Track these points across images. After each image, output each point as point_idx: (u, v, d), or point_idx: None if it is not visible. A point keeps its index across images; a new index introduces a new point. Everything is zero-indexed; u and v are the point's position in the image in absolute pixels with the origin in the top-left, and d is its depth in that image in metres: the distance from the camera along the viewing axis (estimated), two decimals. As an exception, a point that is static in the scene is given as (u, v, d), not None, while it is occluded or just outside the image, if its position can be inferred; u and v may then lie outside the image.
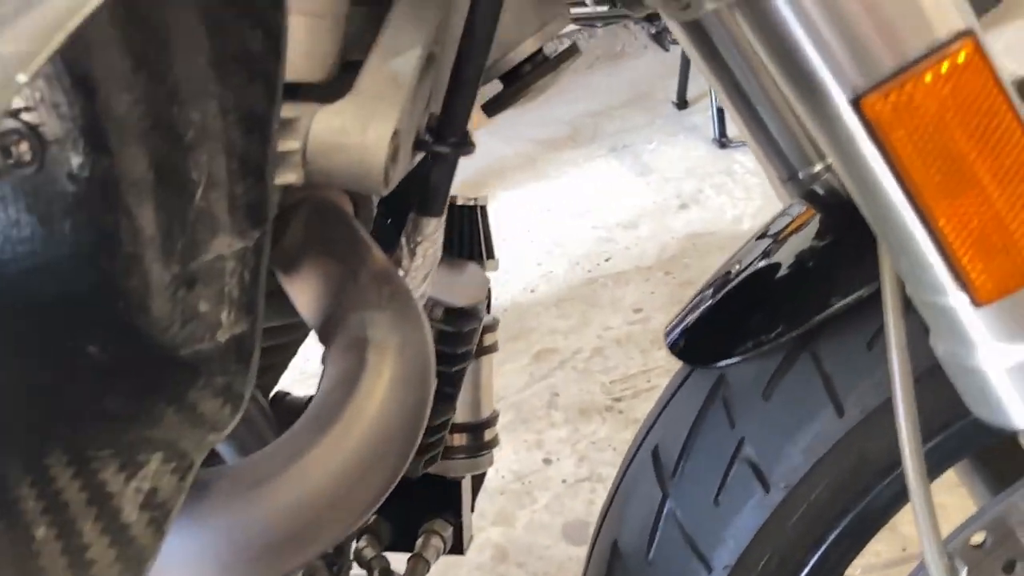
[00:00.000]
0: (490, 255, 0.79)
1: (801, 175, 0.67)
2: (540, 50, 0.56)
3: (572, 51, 0.56)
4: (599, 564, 0.63)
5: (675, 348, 0.59)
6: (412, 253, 0.53)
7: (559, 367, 1.76)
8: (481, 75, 0.49)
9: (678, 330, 0.62)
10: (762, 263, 0.65)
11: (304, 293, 0.50)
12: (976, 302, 0.40)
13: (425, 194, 0.51)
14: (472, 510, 0.89)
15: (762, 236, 0.72)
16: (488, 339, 0.78)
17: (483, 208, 0.79)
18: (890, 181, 0.39)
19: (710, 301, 0.64)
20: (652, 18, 2.33)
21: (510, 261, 2.12)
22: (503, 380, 1.76)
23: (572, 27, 2.95)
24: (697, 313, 0.61)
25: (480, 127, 2.96)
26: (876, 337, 0.53)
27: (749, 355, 0.56)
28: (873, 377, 0.53)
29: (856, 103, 0.38)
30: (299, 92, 0.43)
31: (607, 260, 2.02)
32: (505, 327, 1.94)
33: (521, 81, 0.55)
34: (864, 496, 0.55)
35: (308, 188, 0.48)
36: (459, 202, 0.78)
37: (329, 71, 0.46)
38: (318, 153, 0.43)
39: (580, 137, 2.54)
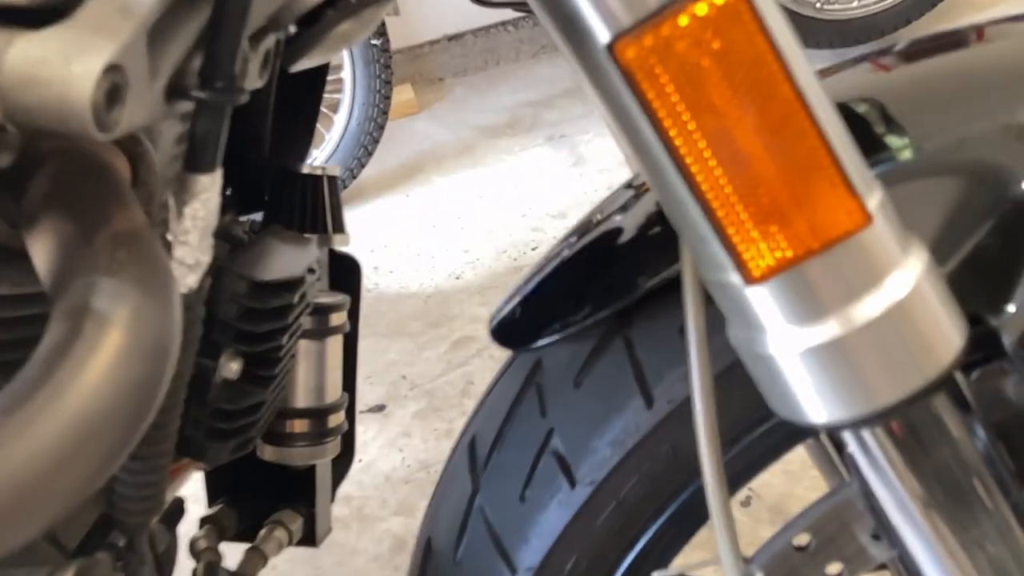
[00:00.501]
0: (337, 229, 0.73)
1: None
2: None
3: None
4: (414, 564, 0.58)
5: (495, 332, 0.54)
6: (179, 215, 0.48)
7: (476, 355, 1.71)
8: (246, 11, 0.43)
9: (505, 308, 0.57)
10: (605, 226, 0.59)
11: (41, 254, 0.44)
12: (748, 279, 0.35)
13: (191, 147, 0.46)
14: (332, 500, 0.84)
15: (629, 185, 0.67)
16: (335, 319, 0.73)
17: (332, 179, 0.74)
18: (654, 141, 0.35)
19: (540, 275, 0.59)
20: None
21: (438, 248, 2.07)
22: (419, 367, 1.71)
23: (518, 14, 2.91)
24: (517, 297, 0.56)
25: (421, 112, 2.91)
26: (688, 322, 0.48)
27: (560, 336, 0.51)
28: (683, 367, 0.48)
29: (611, 48, 0.33)
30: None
31: (534, 249, 1.97)
32: (427, 314, 1.90)
33: (319, 25, 0.50)
34: (679, 494, 0.50)
35: (60, 137, 0.43)
36: (304, 171, 0.73)
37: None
38: (12, 87, 0.37)
39: (519, 126, 2.49)
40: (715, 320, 0.43)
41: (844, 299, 0.36)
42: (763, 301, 0.37)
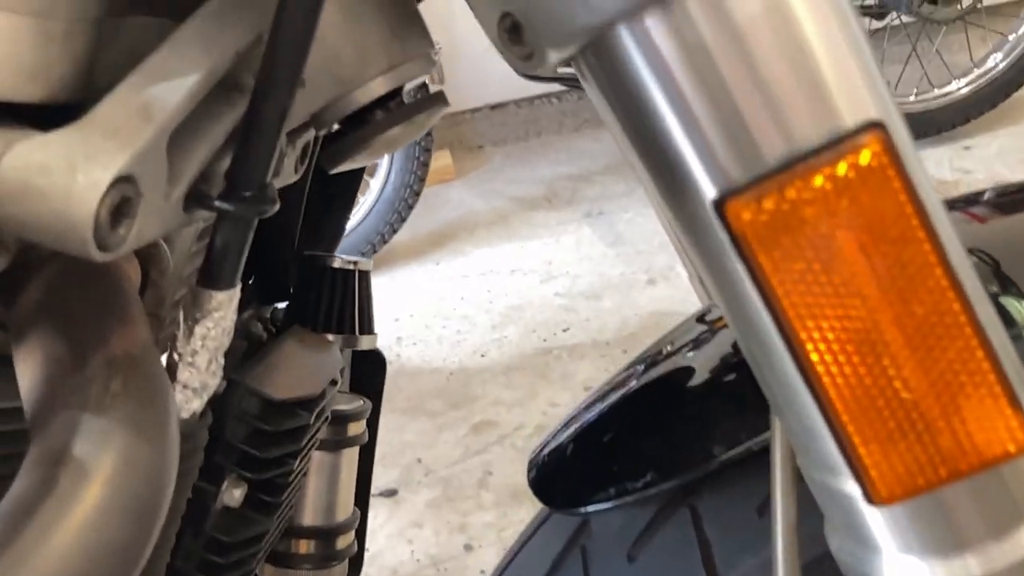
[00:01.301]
0: (365, 329, 0.67)
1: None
2: (397, 94, 0.46)
3: (436, 100, 0.46)
4: None
5: (535, 482, 0.47)
6: (189, 333, 0.41)
7: (497, 442, 1.63)
8: (284, 114, 0.38)
9: (548, 453, 0.50)
10: (675, 362, 0.53)
11: (26, 376, 0.38)
12: (872, 499, 0.28)
13: (208, 260, 0.40)
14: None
15: (702, 318, 0.60)
16: (353, 429, 0.66)
17: (364, 274, 0.68)
18: (764, 317, 0.28)
19: (594, 413, 0.52)
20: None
21: (465, 322, 2.01)
22: (436, 451, 1.63)
23: (561, 87, 2.89)
24: (569, 432, 0.49)
25: (457, 179, 2.89)
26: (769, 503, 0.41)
27: (616, 503, 0.44)
28: (761, 554, 0.41)
29: (719, 206, 0.27)
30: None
31: (565, 331, 1.90)
32: (448, 392, 1.82)
33: (366, 128, 0.44)
34: None
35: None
36: (336, 264, 0.67)
37: (58, 90, 0.35)
38: (7, 196, 0.31)
39: (557, 200, 2.44)
40: (805, 502, 0.36)
41: (989, 534, 0.28)
42: (884, 521, 0.30)
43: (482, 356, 1.87)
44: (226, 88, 0.40)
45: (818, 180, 0.26)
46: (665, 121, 0.29)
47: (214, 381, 0.43)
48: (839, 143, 0.26)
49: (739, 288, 0.29)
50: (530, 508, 1.52)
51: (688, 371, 0.50)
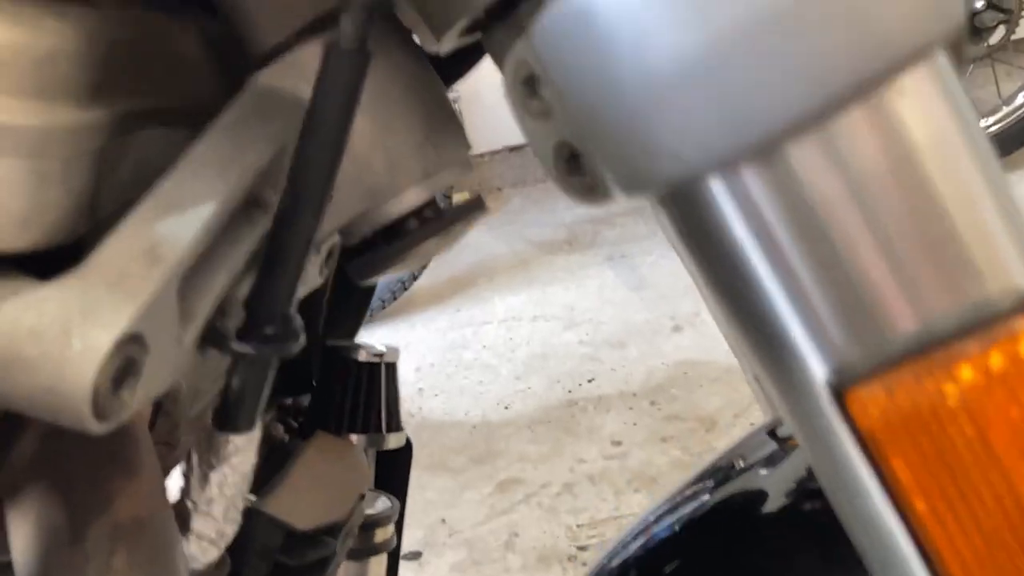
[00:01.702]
0: (393, 427, 0.62)
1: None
2: (432, 203, 0.42)
3: (475, 207, 0.42)
4: None
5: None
6: (204, 480, 0.37)
7: (524, 501, 1.57)
8: (310, 239, 0.34)
9: (610, 567, 0.45)
10: (747, 482, 0.48)
11: (19, 544, 0.34)
12: None
13: (225, 402, 0.36)
14: None
15: (771, 433, 0.55)
16: (381, 535, 0.61)
17: (390, 366, 0.63)
18: (889, 516, 0.23)
19: (660, 531, 0.47)
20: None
21: (487, 371, 1.96)
22: (460, 511, 1.58)
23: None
24: (638, 546, 0.44)
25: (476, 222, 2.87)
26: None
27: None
28: None
29: (838, 394, 0.22)
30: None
31: (590, 381, 1.85)
32: (472, 447, 1.77)
33: (402, 241, 0.40)
34: None
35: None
36: (361, 357, 0.63)
37: (55, 234, 0.31)
38: (-7, 369, 0.27)
39: (578, 242, 2.40)
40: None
41: None
42: None
43: (505, 408, 1.82)
44: (246, 207, 0.36)
45: (965, 372, 0.21)
46: (764, 285, 0.24)
47: (232, 528, 0.39)
48: (989, 324, 0.21)
49: (858, 482, 0.24)
50: (559, 572, 1.46)
51: (762, 494, 0.45)
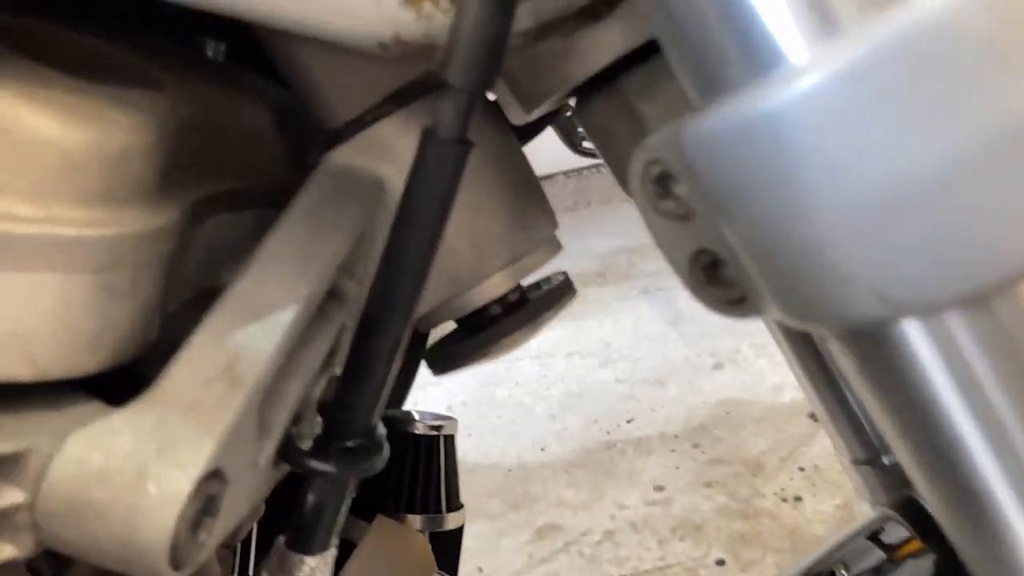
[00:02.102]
0: (452, 506, 0.59)
1: (886, 460, 0.47)
2: (518, 289, 0.38)
3: (564, 291, 0.38)
4: None
5: None
6: (274, 606, 0.33)
7: (563, 550, 1.52)
8: (397, 346, 0.30)
9: None
10: None
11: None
12: None
13: (299, 520, 0.32)
14: None
15: (874, 537, 0.51)
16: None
17: (448, 439, 0.60)
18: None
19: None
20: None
21: (521, 411, 1.92)
22: (498, 559, 1.53)
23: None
24: None
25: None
26: None
27: None
28: None
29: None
30: (41, 395, 0.25)
31: (629, 422, 1.80)
32: (507, 491, 1.72)
33: (485, 333, 0.37)
34: None
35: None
36: (419, 430, 0.59)
37: (124, 351, 0.27)
38: (56, 514, 0.24)
39: (612, 274, 2.36)
40: None
41: None
42: None
43: (541, 450, 1.78)
44: (322, 300, 0.33)
45: None
46: (966, 438, 0.20)
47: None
48: None
49: None
50: (602, 628, 1.41)
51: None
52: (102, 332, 0.25)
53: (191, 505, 0.24)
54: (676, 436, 1.73)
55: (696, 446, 1.69)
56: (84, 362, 0.25)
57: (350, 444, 0.31)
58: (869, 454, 0.49)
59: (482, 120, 0.37)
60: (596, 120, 0.35)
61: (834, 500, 1.50)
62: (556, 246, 0.38)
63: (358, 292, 0.35)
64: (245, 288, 0.29)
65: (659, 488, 1.61)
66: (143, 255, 0.26)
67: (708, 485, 1.59)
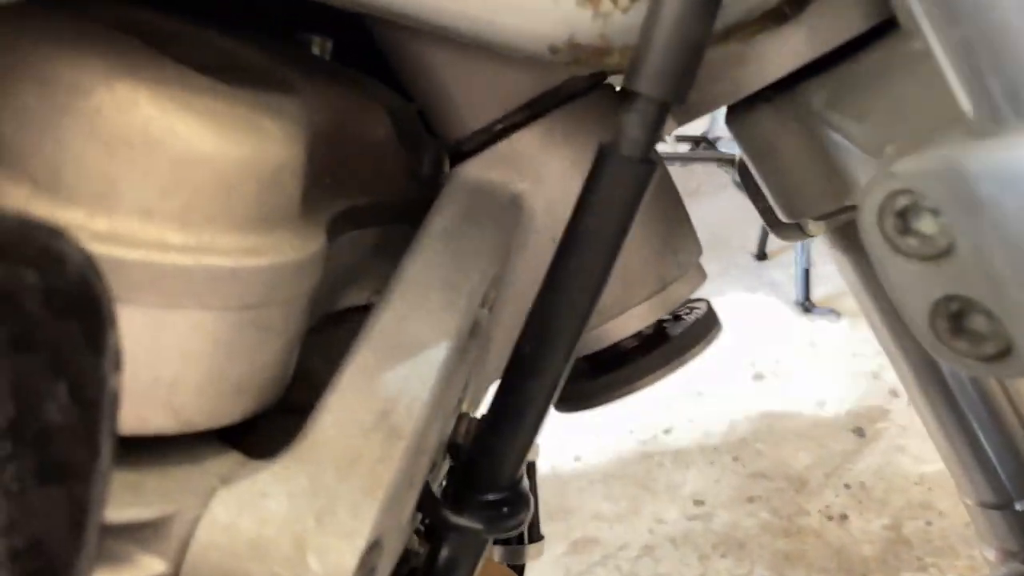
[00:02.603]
0: (533, 536, 0.55)
1: (1019, 507, 0.44)
2: (660, 325, 0.34)
3: (709, 324, 0.35)
4: None
5: None
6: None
7: (600, 563, 1.48)
8: (559, 380, 0.27)
9: None
10: None
11: None
12: None
13: (428, 573, 0.29)
14: None
15: None
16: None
17: (530, 465, 0.56)
18: None
19: None
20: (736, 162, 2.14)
21: (555, 417, 1.88)
22: (533, 572, 1.49)
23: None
24: None
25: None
26: None
27: None
28: None
29: None
30: (176, 444, 0.22)
31: (666, 432, 1.76)
32: (543, 501, 1.68)
33: (624, 371, 0.33)
34: None
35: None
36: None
37: (271, 393, 0.24)
38: (200, 587, 0.20)
39: (645, 281, 2.32)
40: None
41: None
42: None
43: (577, 460, 1.74)
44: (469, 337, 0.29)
45: None
46: None
47: None
48: None
49: None
50: (643, 646, 1.37)
51: None
52: (250, 376, 0.22)
53: (362, 569, 0.21)
54: (715, 448, 1.69)
55: (736, 459, 1.65)
56: (229, 411, 0.22)
57: (493, 497, 0.27)
58: (1000, 499, 0.45)
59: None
60: (759, 133, 0.31)
61: (881, 520, 1.45)
62: (702, 273, 0.35)
63: (488, 321, 0.31)
64: (390, 322, 0.25)
65: (699, 502, 1.57)
66: (298, 286, 0.23)
67: (750, 500, 1.54)
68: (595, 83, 0.32)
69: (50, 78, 0.19)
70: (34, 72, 0.18)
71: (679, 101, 0.23)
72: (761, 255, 2.32)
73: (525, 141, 0.31)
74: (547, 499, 1.65)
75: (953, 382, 0.44)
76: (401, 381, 0.24)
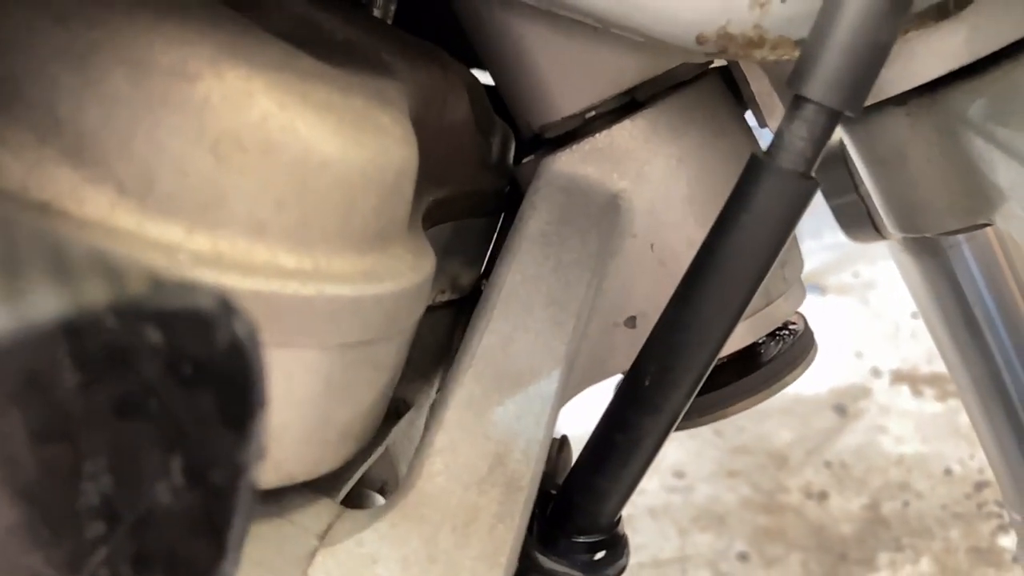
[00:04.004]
0: None
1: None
2: (755, 348, 0.31)
3: (807, 346, 0.32)
4: None
5: None
6: None
7: (580, 532, 1.48)
8: (679, 415, 0.24)
9: None
10: None
11: None
12: None
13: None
14: None
15: None
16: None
17: (563, 441, 0.54)
18: None
19: None
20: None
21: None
22: (512, 538, 1.49)
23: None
24: None
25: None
26: None
27: None
28: None
29: None
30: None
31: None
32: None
33: (713, 395, 0.30)
34: None
35: None
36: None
37: (366, 439, 0.21)
38: None
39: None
40: None
41: None
42: None
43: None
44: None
45: None
46: None
47: None
48: None
49: None
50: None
51: None
52: (356, 420, 0.19)
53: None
54: (697, 422, 1.69)
55: (718, 434, 1.65)
56: (331, 460, 0.18)
57: (587, 540, 0.25)
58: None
59: (728, 119, 0.30)
60: (886, 139, 0.28)
61: (861, 499, 1.47)
62: (803, 289, 0.32)
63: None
64: (494, 346, 0.22)
65: (679, 475, 1.57)
66: (415, 313, 0.19)
67: (731, 475, 1.55)
68: (704, 70, 0.29)
69: (145, 60, 0.15)
70: (126, 52, 0.15)
71: (854, 112, 0.20)
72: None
73: (626, 133, 0.28)
74: (528, 466, 1.64)
75: (1018, 400, 0.42)
76: (514, 419, 0.21)
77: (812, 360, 0.32)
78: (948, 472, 1.48)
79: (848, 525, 1.43)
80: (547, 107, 0.29)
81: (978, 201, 0.26)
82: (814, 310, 1.70)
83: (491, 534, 0.18)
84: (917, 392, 1.68)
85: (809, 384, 1.74)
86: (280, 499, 0.19)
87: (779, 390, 0.32)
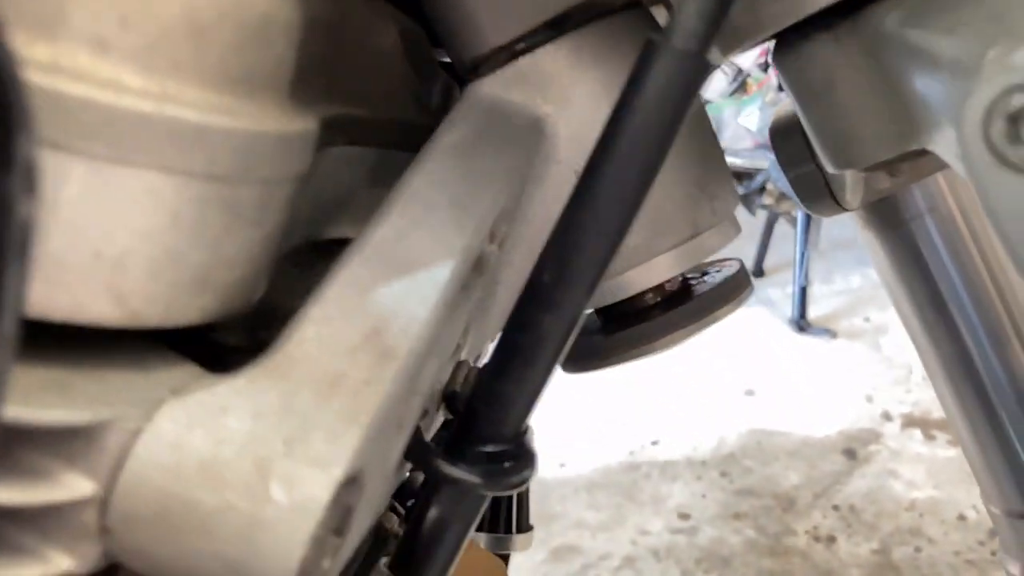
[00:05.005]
0: (523, 527, 0.51)
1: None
2: (685, 281, 0.31)
3: (740, 283, 0.31)
4: None
5: None
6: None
7: (580, 573, 1.44)
8: (579, 317, 0.23)
9: None
10: None
11: None
12: None
13: (413, 543, 0.25)
14: None
15: None
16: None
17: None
18: None
19: None
20: (740, 177, 2.11)
21: (541, 424, 1.84)
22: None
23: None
24: None
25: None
26: None
27: None
28: None
29: None
30: (119, 350, 0.18)
31: (654, 443, 1.72)
32: (523, 506, 1.65)
33: (645, 326, 0.30)
34: None
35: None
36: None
37: (237, 300, 0.20)
38: (137, 518, 0.17)
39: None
40: None
41: None
42: None
43: (561, 466, 1.70)
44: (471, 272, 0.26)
45: None
46: None
47: None
48: None
49: None
50: (619, 660, 1.33)
51: None
52: (214, 268, 0.18)
53: (328, 519, 0.17)
54: (703, 462, 1.65)
55: (724, 475, 1.61)
56: (184, 308, 0.18)
57: (492, 449, 0.24)
58: (1029, 506, 0.41)
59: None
60: (813, 68, 0.28)
61: (870, 544, 1.42)
62: (736, 226, 0.31)
63: (496, 260, 0.28)
64: (387, 235, 0.22)
65: (684, 516, 1.53)
66: (279, 167, 0.19)
67: (736, 517, 1.51)
68: (630, 1, 0.29)
69: None
70: None
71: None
72: (758, 272, 2.29)
73: (551, 59, 0.28)
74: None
75: (989, 380, 0.41)
76: (397, 298, 0.20)
77: (745, 299, 0.32)
78: (962, 518, 1.43)
79: (857, 570, 1.38)
80: (477, 41, 0.29)
81: (906, 125, 0.26)
82: (825, 354, 1.68)
83: (355, 397, 0.18)
84: (929, 437, 1.63)
85: (818, 427, 1.71)
86: (141, 356, 0.18)
87: (708, 324, 0.31)
